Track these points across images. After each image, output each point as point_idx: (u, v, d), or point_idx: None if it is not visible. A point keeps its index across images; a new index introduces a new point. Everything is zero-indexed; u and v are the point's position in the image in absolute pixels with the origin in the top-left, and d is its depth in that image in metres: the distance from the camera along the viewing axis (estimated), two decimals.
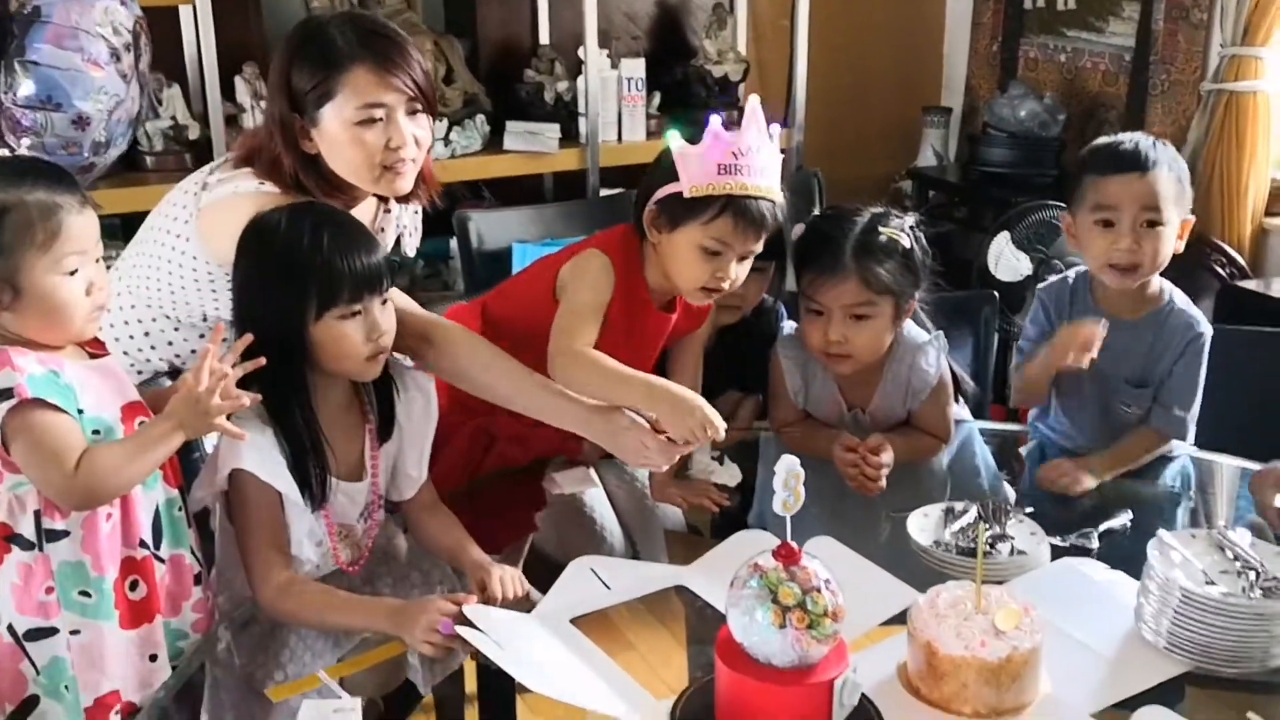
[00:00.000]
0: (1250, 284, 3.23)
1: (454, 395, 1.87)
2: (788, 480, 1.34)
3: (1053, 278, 2.24)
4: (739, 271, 1.85)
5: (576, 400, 1.76)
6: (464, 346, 1.83)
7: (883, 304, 1.96)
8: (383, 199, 1.99)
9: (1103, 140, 2.10)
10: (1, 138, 2.69)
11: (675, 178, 1.78)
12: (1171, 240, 1.99)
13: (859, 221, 1.96)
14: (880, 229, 1.94)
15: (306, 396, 1.61)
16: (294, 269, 1.58)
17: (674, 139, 1.77)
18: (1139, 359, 2.03)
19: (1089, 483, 1.97)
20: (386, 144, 1.80)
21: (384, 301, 1.64)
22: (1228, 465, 2.11)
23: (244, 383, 1.53)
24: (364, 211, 1.99)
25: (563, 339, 1.79)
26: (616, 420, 1.73)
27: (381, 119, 1.80)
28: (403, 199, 1.96)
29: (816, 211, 3.08)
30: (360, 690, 1.54)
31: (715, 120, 1.76)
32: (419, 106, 1.84)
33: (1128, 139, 2.05)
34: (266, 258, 1.61)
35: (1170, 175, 1.99)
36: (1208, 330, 2.05)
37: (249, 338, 1.56)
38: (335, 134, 1.80)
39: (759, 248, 1.84)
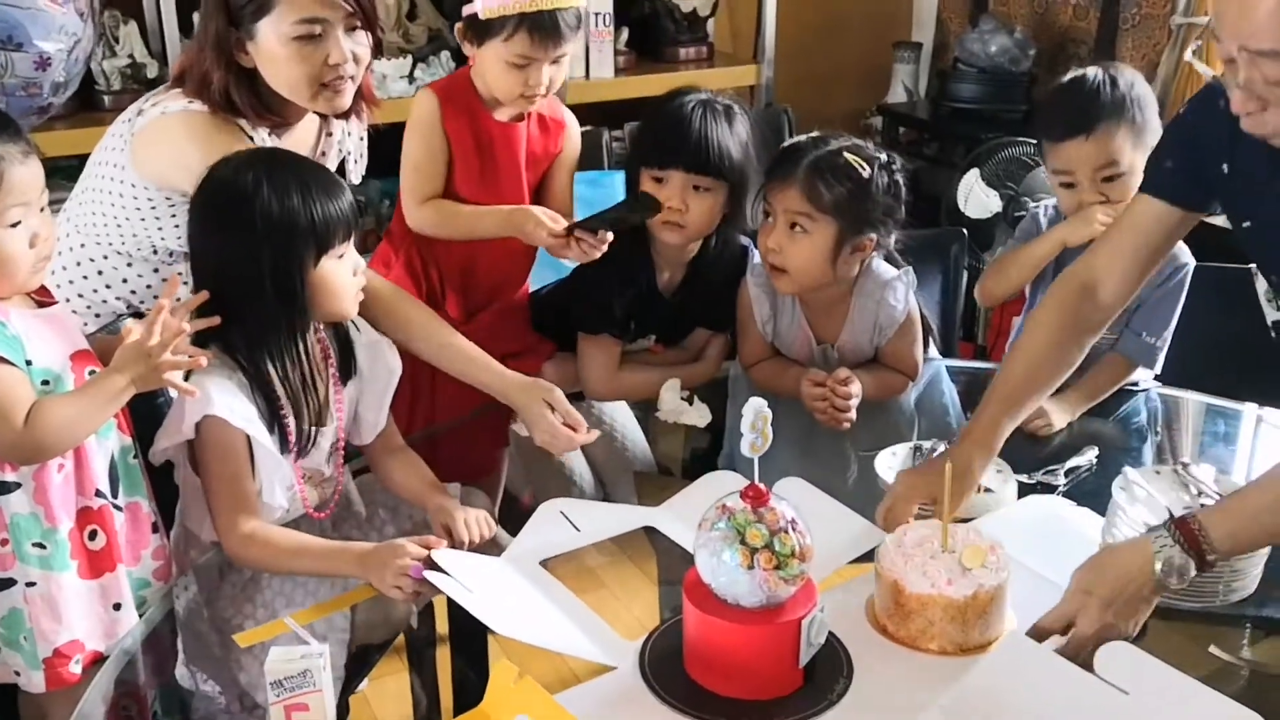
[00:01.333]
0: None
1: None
2: (755, 422, 1.33)
3: (1026, 216, 2.24)
4: (553, 74, 1.97)
5: (498, 372, 1.86)
6: (385, 303, 1.85)
7: (822, 223, 1.92)
8: (323, 119, 1.97)
9: (1055, 88, 2.10)
10: None
11: None
12: (1137, 182, 1.98)
13: (830, 144, 1.95)
14: (846, 154, 1.93)
15: (294, 349, 1.60)
16: (286, 225, 1.55)
17: None
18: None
19: (1060, 422, 1.97)
20: (325, 60, 1.78)
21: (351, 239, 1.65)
22: (1192, 400, 2.12)
23: (204, 338, 1.53)
24: (305, 133, 1.96)
25: (408, 199, 2.03)
26: (534, 396, 1.81)
27: (320, 35, 1.77)
28: (341, 116, 1.94)
29: None
30: (371, 635, 1.56)
31: None
32: (358, 23, 1.81)
33: (1074, 87, 2.04)
34: (251, 221, 1.56)
35: (1123, 122, 1.98)
36: (1191, 263, 2.05)
37: (204, 295, 1.54)
38: (272, 49, 1.77)
39: (569, 49, 1.96)
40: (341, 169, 2.09)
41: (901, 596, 1.41)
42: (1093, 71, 2.04)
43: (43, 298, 1.56)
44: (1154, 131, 2.00)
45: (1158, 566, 1.38)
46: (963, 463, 1.61)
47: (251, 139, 1.82)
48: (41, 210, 1.51)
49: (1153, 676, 1.32)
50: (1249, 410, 2.09)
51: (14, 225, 1.46)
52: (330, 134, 2.01)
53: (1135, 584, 1.39)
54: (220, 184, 1.60)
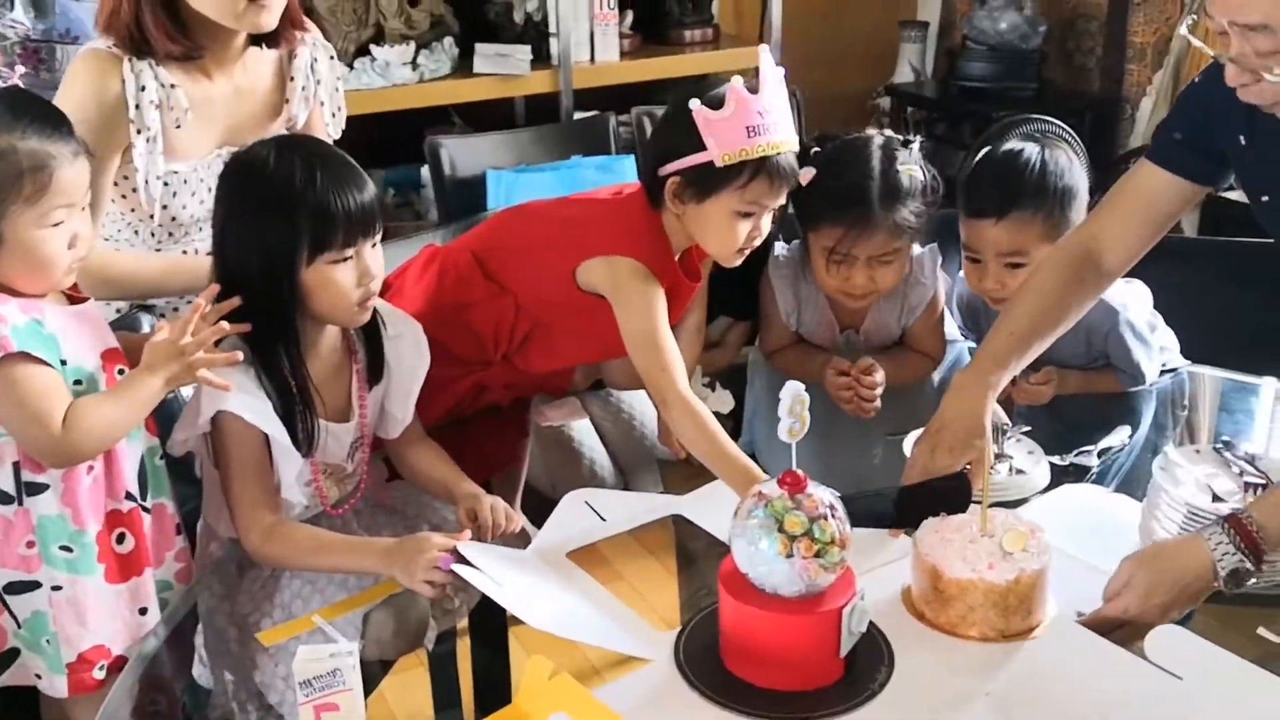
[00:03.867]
0: (1230, 194, 3.20)
1: (448, 350, 1.81)
2: (793, 407, 1.30)
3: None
4: (768, 225, 1.81)
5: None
6: None
7: (905, 242, 1.92)
8: (282, 66, 1.93)
9: (980, 162, 2.00)
10: None
11: (695, 146, 1.71)
12: None
13: (874, 165, 1.88)
14: (899, 168, 1.88)
15: (295, 342, 1.55)
16: (285, 210, 1.49)
17: (695, 105, 1.70)
18: (1067, 342, 1.85)
19: (1048, 394, 1.93)
20: None
21: (374, 244, 1.57)
22: (1209, 377, 2.08)
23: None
24: (262, 76, 1.92)
25: (665, 382, 1.71)
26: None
27: None
28: (271, 42, 1.88)
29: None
30: (388, 651, 1.51)
31: (737, 81, 1.70)
32: None
33: (1002, 163, 1.94)
34: (253, 196, 1.53)
35: (1039, 213, 1.88)
36: (1125, 306, 1.93)
37: (235, 301, 1.50)
38: None
39: (784, 199, 1.81)
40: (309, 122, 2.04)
41: (940, 582, 1.38)
42: (1029, 151, 1.94)
43: (74, 294, 1.54)
44: (1073, 217, 1.92)
45: (1221, 573, 1.36)
46: (970, 402, 1.60)
47: (135, 77, 1.75)
48: (82, 210, 1.48)
49: (1206, 660, 1.29)
50: (1268, 385, 2.05)
51: (56, 225, 1.44)
52: (292, 78, 1.96)
53: (1193, 589, 1.38)
54: (239, 157, 1.57)
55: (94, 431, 1.43)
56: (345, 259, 1.53)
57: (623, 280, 1.76)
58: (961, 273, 2.03)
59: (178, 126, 1.82)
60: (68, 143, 1.45)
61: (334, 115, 2.07)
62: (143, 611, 1.54)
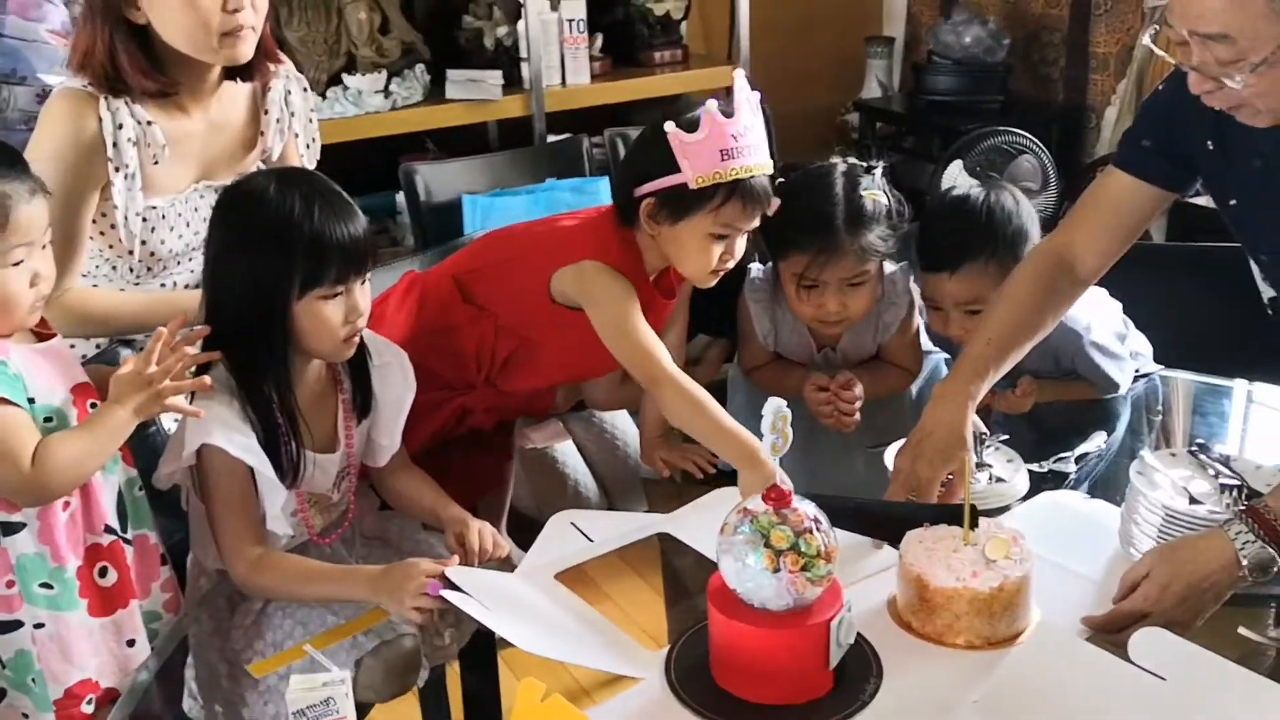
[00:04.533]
0: (1201, 200, 3.24)
1: (433, 375, 1.82)
2: (775, 423, 1.31)
3: None
4: (741, 247, 1.82)
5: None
6: None
7: (874, 266, 1.94)
8: (256, 99, 1.93)
9: (930, 215, 2.01)
10: None
11: (670, 168, 1.72)
12: None
13: (837, 192, 1.90)
14: (861, 194, 1.90)
15: (285, 374, 1.55)
16: (280, 242, 1.50)
17: (669, 128, 1.71)
18: (1034, 359, 1.88)
19: (1028, 404, 1.95)
20: (223, 6, 1.73)
21: (364, 282, 1.57)
22: (1182, 381, 2.12)
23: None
24: (237, 110, 1.93)
25: (650, 364, 1.73)
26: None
27: None
28: (246, 76, 1.89)
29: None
30: (378, 695, 1.50)
31: (712, 104, 1.71)
32: None
33: (951, 216, 1.96)
34: (250, 227, 1.53)
35: (992, 260, 1.88)
36: (1089, 329, 1.94)
37: (204, 329, 1.51)
38: None
39: (759, 221, 1.82)
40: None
41: (926, 591, 1.39)
42: (974, 199, 1.95)
43: (42, 329, 1.53)
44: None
45: (1244, 563, 1.37)
46: (951, 413, 1.62)
47: (112, 115, 1.76)
48: (43, 248, 1.48)
49: (1189, 661, 1.30)
50: (1239, 387, 2.08)
51: (16, 264, 1.44)
52: (266, 111, 1.97)
53: (1214, 579, 1.38)
54: (240, 187, 1.58)
55: (64, 467, 1.42)
56: (336, 295, 1.53)
57: (589, 280, 1.78)
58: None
59: (155, 162, 1.82)
60: (23, 181, 1.44)
61: (308, 146, 2.08)
62: (130, 643, 1.53)
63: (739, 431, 1.65)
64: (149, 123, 1.79)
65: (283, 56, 1.98)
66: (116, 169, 1.77)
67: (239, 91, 1.93)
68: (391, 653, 1.49)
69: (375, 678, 1.49)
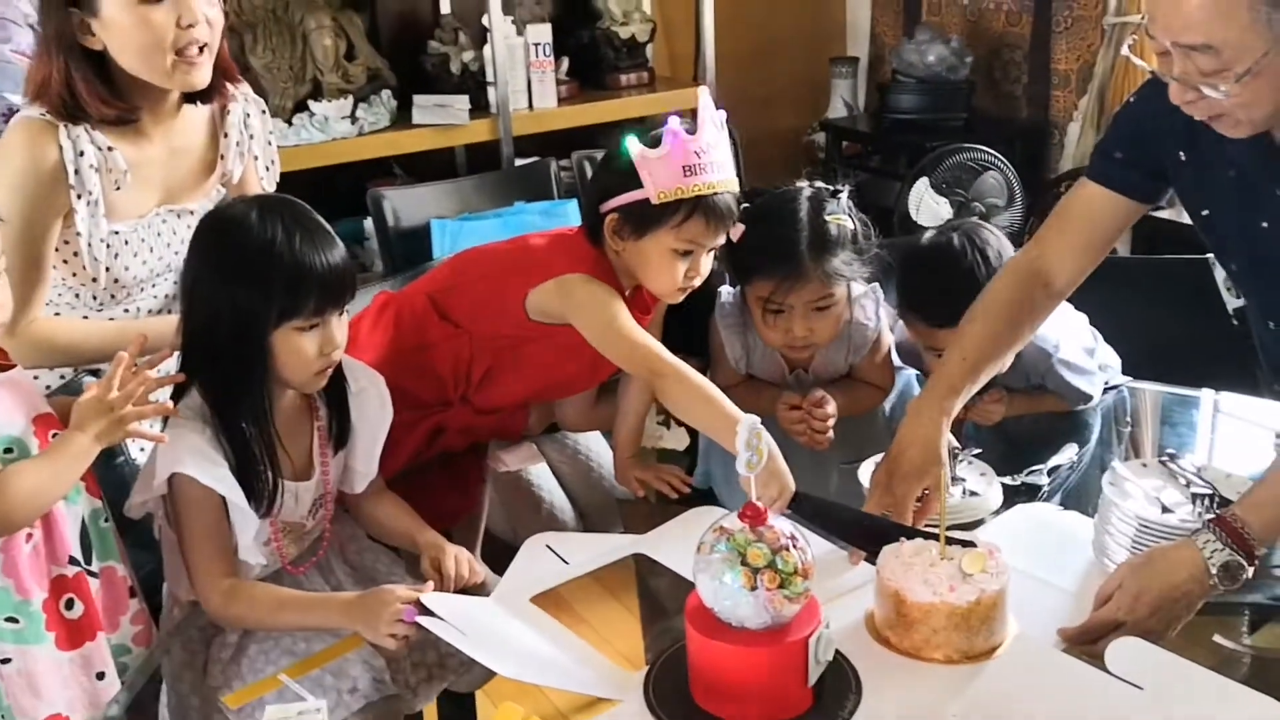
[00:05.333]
0: (1163, 213, 3.28)
1: (408, 394, 1.81)
2: (750, 440, 1.31)
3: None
4: (707, 264, 1.82)
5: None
6: None
7: (840, 289, 1.94)
8: (215, 122, 1.93)
9: (918, 267, 2.00)
10: None
11: (633, 184, 1.73)
12: None
13: (802, 217, 1.90)
14: (826, 218, 1.91)
15: (262, 402, 1.53)
16: (259, 271, 1.48)
17: (632, 144, 1.72)
18: (1009, 377, 1.92)
19: (999, 413, 1.97)
20: (177, 22, 1.72)
21: (341, 314, 1.56)
22: (1159, 392, 2.13)
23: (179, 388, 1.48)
24: (197, 133, 1.92)
25: (650, 357, 1.73)
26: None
27: None
28: (205, 98, 1.88)
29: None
30: None
31: (674, 121, 1.71)
32: None
33: (941, 270, 1.94)
34: (229, 254, 1.51)
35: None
36: (1056, 345, 1.95)
37: (166, 353, 1.50)
38: (118, 18, 1.71)
39: (723, 239, 1.82)
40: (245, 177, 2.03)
41: (904, 606, 1.39)
42: (957, 250, 1.93)
43: (1, 361, 1.51)
44: None
45: (1213, 571, 1.38)
46: (926, 429, 1.62)
47: (73, 143, 1.75)
48: None
49: (1165, 669, 1.31)
50: (1206, 396, 2.11)
51: None
52: (226, 134, 1.96)
53: (1185, 588, 1.39)
54: (220, 215, 1.57)
55: (24, 497, 1.40)
56: (312, 326, 1.52)
57: (572, 291, 1.78)
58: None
59: (117, 188, 1.81)
60: None
61: (267, 169, 2.07)
62: (100, 676, 1.51)
63: (733, 412, 1.64)
64: (109, 148, 1.78)
65: (240, 78, 1.98)
66: (79, 196, 1.76)
67: (198, 115, 1.93)
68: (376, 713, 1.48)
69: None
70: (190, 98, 1.88)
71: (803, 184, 1.98)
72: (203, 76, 1.79)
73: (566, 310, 1.78)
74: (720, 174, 1.74)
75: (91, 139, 1.77)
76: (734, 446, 1.60)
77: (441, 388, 1.88)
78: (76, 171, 1.75)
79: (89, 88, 1.74)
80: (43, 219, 1.75)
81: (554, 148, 3.61)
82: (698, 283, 1.82)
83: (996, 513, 1.71)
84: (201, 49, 1.77)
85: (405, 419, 1.78)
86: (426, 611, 1.44)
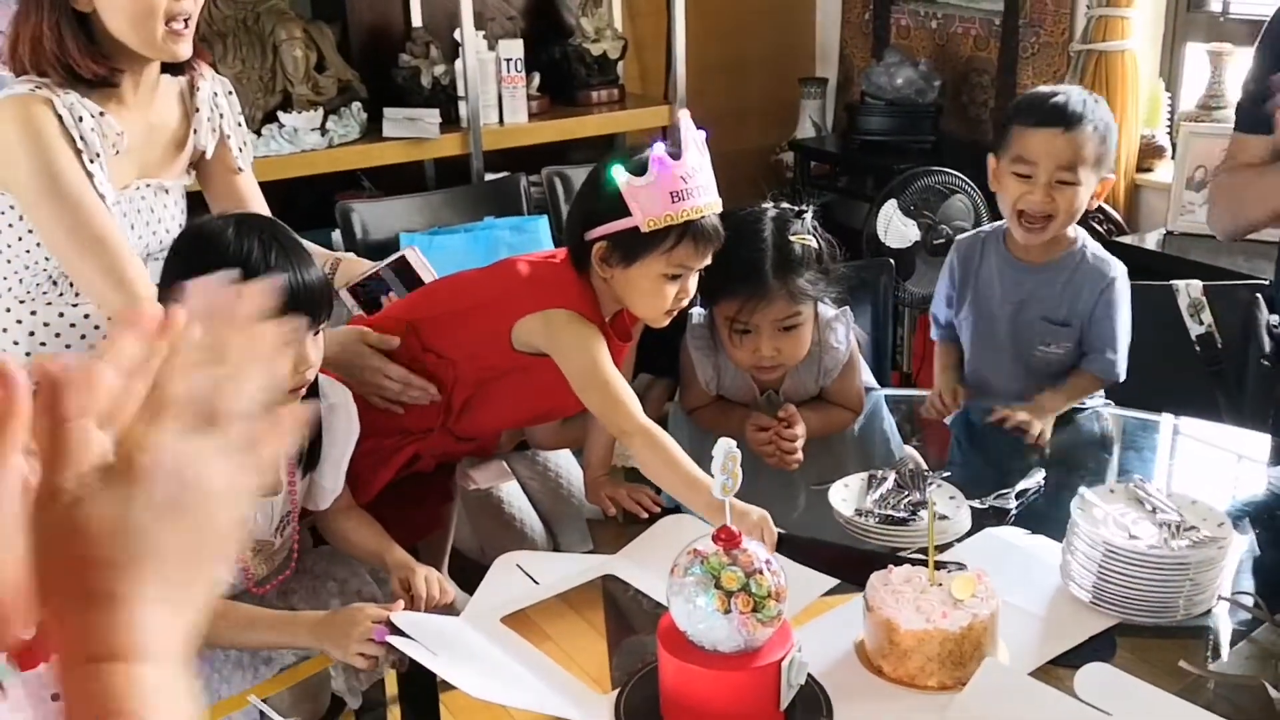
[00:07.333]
0: (1126, 239, 3.33)
1: (391, 421, 1.80)
2: (725, 463, 1.32)
3: (963, 236, 2.29)
4: (693, 285, 1.83)
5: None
6: None
7: (807, 309, 1.95)
8: (185, 100, 1.92)
9: (1038, 90, 2.14)
10: None
11: (620, 212, 1.73)
12: (1085, 199, 2.05)
13: (765, 236, 1.92)
14: (790, 238, 1.93)
15: None
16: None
17: (619, 173, 1.72)
18: (1053, 300, 2.10)
19: (1038, 428, 2.02)
20: None
21: (316, 333, 1.55)
22: (1121, 416, 2.17)
23: None
24: (170, 108, 1.92)
25: (622, 415, 1.74)
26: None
27: None
28: (177, 70, 1.88)
29: None
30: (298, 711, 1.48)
31: (659, 148, 1.71)
32: None
33: (1062, 92, 2.08)
34: (204, 267, 1.50)
35: (1094, 135, 2.03)
36: (1120, 274, 2.11)
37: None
38: None
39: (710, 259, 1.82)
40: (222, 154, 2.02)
41: (896, 635, 1.37)
42: (1078, 91, 2.09)
43: None
44: (1110, 163, 2.09)
45: None
46: None
47: (69, 110, 1.73)
48: None
49: (1132, 696, 1.32)
50: (1166, 421, 2.14)
51: None
52: (198, 109, 1.96)
53: None
54: (198, 228, 1.56)
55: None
56: (286, 345, 1.50)
57: (558, 329, 1.77)
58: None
59: (116, 152, 1.80)
60: None
61: (241, 149, 2.06)
62: (55, 698, 1.48)
63: (710, 485, 1.65)
64: (101, 113, 1.77)
65: (208, 54, 1.99)
66: (90, 159, 1.74)
67: (170, 92, 1.93)
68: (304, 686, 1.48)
69: (283, 701, 1.47)
70: (165, 67, 1.88)
71: (768, 205, 2.00)
72: (186, 49, 1.80)
73: (549, 345, 1.78)
74: (706, 197, 1.75)
75: (84, 105, 1.76)
76: (700, 509, 1.60)
77: (424, 414, 1.87)
78: (81, 136, 1.74)
79: (78, 45, 1.73)
80: (79, 187, 1.72)
81: (524, 163, 3.61)
82: (685, 303, 1.83)
83: (965, 536, 1.72)
84: (186, 22, 1.77)
85: (386, 445, 1.78)
86: (397, 631, 1.43)
